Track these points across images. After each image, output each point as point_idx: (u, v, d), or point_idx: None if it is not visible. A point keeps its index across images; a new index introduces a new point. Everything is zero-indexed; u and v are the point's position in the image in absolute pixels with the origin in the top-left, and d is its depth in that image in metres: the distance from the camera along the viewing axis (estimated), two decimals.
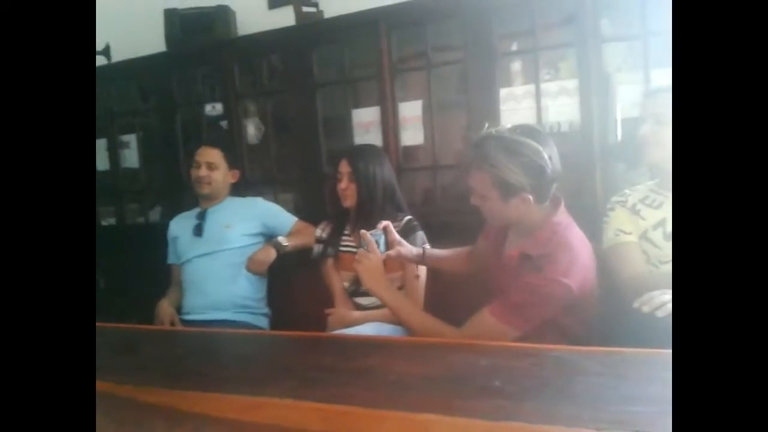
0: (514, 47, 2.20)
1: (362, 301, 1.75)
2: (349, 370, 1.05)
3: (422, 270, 1.70)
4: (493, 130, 1.27)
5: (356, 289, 1.75)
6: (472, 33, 2.15)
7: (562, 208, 1.31)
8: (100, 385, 1.01)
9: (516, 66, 2.20)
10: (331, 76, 2.52)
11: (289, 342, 1.32)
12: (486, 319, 1.22)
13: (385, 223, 1.48)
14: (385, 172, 1.80)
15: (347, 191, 1.76)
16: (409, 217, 1.78)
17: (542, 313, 1.22)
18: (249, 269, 1.95)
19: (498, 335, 1.19)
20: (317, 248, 1.88)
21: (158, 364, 1.24)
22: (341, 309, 1.70)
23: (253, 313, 1.98)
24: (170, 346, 1.45)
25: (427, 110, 2.27)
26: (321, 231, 1.90)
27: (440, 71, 2.30)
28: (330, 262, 1.84)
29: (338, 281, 1.78)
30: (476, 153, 1.26)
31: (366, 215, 1.75)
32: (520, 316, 1.21)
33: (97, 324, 1.59)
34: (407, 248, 1.52)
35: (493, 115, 2.11)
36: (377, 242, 1.41)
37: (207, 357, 1.26)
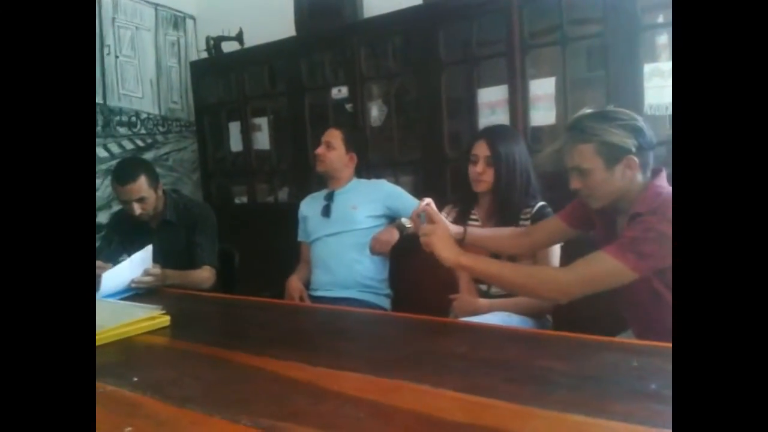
0: (660, 19, 2.00)
1: (492, 289, 1.69)
2: (485, 361, 1.01)
3: None
4: (584, 111, 1.29)
5: None
6: (612, 4, 1.99)
7: (664, 175, 1.26)
8: (238, 356, 1.08)
9: (662, 39, 2.00)
10: (457, 55, 2.46)
11: (418, 326, 1.31)
12: (600, 256, 1.18)
13: (427, 200, 1.43)
14: (524, 155, 1.70)
15: (483, 175, 1.68)
16: (542, 203, 1.69)
17: (655, 252, 1.13)
18: (372, 249, 1.97)
19: (611, 273, 1.16)
20: None
21: (292, 338, 1.30)
22: (466, 296, 1.66)
23: (376, 293, 2.01)
24: (301, 321, 1.51)
25: (561, 88, 2.14)
26: (446, 215, 1.86)
27: (576, 46, 2.15)
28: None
29: None
30: (573, 131, 1.27)
31: (503, 202, 1.68)
32: (635, 251, 1.14)
33: (235, 297, 1.71)
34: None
35: (636, 93, 1.94)
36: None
37: (338, 335, 1.29)
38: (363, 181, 2.15)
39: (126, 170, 1.94)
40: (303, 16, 2.84)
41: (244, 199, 3.35)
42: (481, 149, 1.68)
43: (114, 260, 1.94)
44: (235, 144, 3.31)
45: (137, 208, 1.91)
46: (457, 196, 1.91)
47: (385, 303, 2.04)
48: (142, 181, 1.91)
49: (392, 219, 2.06)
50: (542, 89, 2.17)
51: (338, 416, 0.80)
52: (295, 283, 2.04)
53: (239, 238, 2.46)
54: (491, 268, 1.29)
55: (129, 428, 0.78)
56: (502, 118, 2.25)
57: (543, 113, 2.18)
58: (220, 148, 3.44)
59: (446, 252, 1.28)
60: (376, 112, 2.69)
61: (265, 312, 1.55)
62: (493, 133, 1.72)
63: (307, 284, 2.09)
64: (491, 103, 2.30)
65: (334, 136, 2.08)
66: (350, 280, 1.98)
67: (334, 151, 2.07)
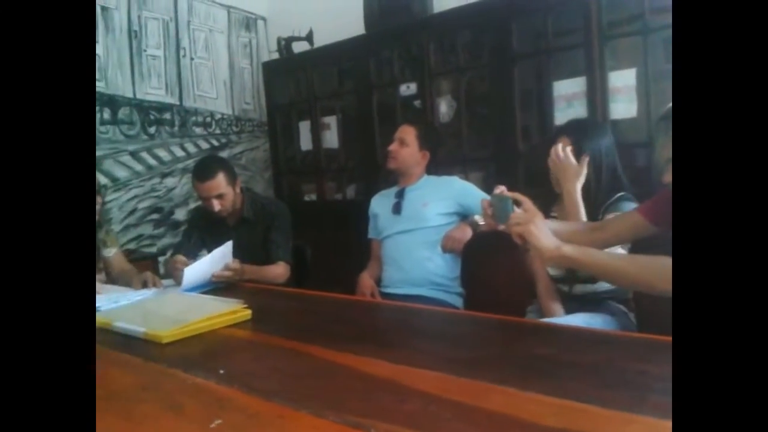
0: None
1: (575, 289, 1.61)
2: (572, 364, 0.97)
3: None
4: None
5: (567, 276, 1.62)
6: None
7: None
8: (318, 350, 1.09)
9: None
10: (530, 47, 2.39)
11: (495, 325, 1.27)
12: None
13: (501, 187, 1.36)
14: (610, 149, 1.60)
15: None
16: (621, 193, 1.60)
17: None
18: (444, 247, 1.94)
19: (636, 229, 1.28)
20: None
21: (370, 335, 1.30)
22: (545, 299, 1.60)
23: (447, 291, 1.99)
24: (376, 317, 1.51)
25: (642, 80, 2.03)
26: None
27: (658, 36, 2.03)
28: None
29: (542, 266, 1.68)
30: (667, 122, 1.14)
31: (586, 201, 1.60)
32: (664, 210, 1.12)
33: (310, 292, 1.74)
34: None
35: None
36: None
37: (416, 333, 1.28)
38: (434, 177, 2.13)
39: (205, 168, 2.00)
40: (372, 14, 2.85)
41: (314, 197, 3.41)
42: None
43: (194, 255, 2.02)
44: (305, 143, 3.38)
45: (216, 205, 1.97)
46: (536, 193, 1.84)
47: (457, 301, 2.01)
48: (221, 178, 1.96)
49: (464, 216, 2.02)
50: (622, 81, 2.08)
51: (424, 416, 0.79)
52: (366, 279, 2.05)
53: (308, 235, 2.50)
54: (600, 258, 1.15)
55: (219, 420, 0.79)
56: (579, 111, 2.17)
57: (623, 106, 2.08)
58: (290, 147, 3.52)
59: (546, 241, 1.16)
60: (445, 107, 2.66)
61: (339, 307, 1.56)
62: (576, 129, 1.63)
63: (377, 281, 2.09)
64: (568, 96, 2.22)
65: (408, 133, 2.07)
66: (421, 278, 1.97)
67: (407, 148, 2.06)
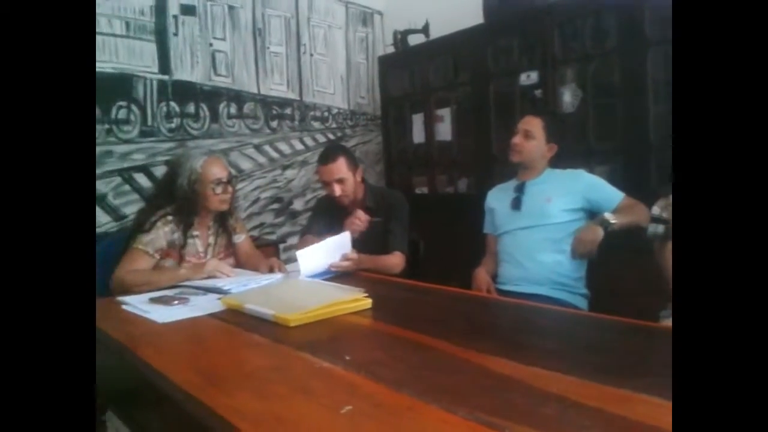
0: None
1: None
2: None
3: None
4: None
5: None
6: None
7: None
8: (442, 344, 1.07)
9: None
10: (666, 31, 2.20)
11: (630, 330, 1.18)
12: None
13: None
14: None
15: None
16: None
17: None
18: (576, 251, 1.81)
19: None
20: (653, 228, 1.65)
21: (493, 331, 1.25)
22: None
23: (570, 292, 1.87)
24: (497, 314, 1.46)
25: None
26: (660, 209, 1.66)
27: None
28: (669, 246, 1.59)
29: None
30: None
31: None
32: None
33: (427, 284, 1.72)
34: None
35: None
36: None
37: (543, 333, 1.22)
38: (558, 171, 2.01)
39: (327, 152, 2.09)
40: (491, 3, 2.77)
41: (425, 190, 3.40)
42: None
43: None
44: (418, 135, 3.37)
45: (337, 189, 2.02)
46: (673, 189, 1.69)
47: (581, 303, 1.89)
48: (341, 162, 2.02)
49: (591, 213, 1.89)
50: None
51: (562, 421, 0.74)
52: (483, 275, 1.99)
53: (419, 228, 2.49)
54: None
55: (348, 407, 0.80)
56: None
57: None
58: (402, 139, 3.53)
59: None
60: (569, 97, 2.52)
61: (458, 302, 1.53)
62: None
63: (493, 277, 2.03)
64: None
65: (534, 125, 1.96)
66: (542, 277, 1.87)
67: (533, 140, 1.96)
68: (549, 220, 1.89)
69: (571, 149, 2.49)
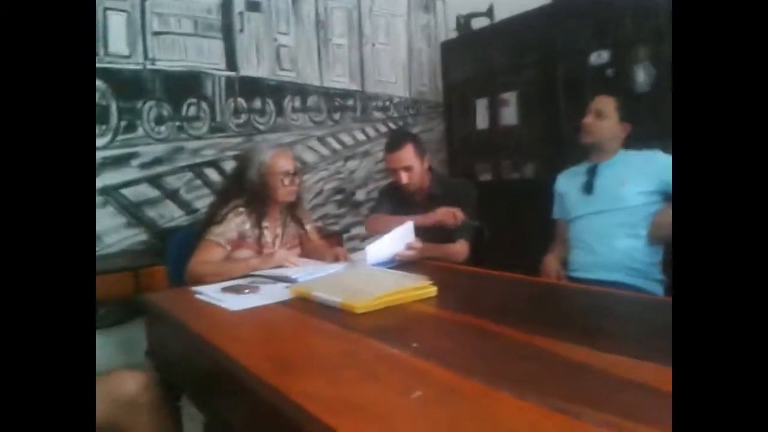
0: None
1: None
2: None
3: None
4: None
5: None
6: None
7: None
8: (510, 331, 1.04)
9: None
10: None
11: None
12: None
13: None
14: None
15: None
16: None
17: None
18: (653, 235, 1.73)
19: None
20: None
21: (564, 318, 1.21)
22: None
23: (646, 278, 1.78)
24: (567, 301, 1.41)
25: None
26: None
27: None
28: None
29: None
30: None
31: None
32: None
33: (491, 271, 1.68)
34: None
35: None
36: None
37: (618, 320, 1.16)
38: (632, 152, 1.91)
39: (395, 139, 2.11)
40: None
41: (489, 176, 3.33)
42: None
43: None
44: (481, 121, 3.31)
45: (404, 176, 2.02)
46: None
47: (658, 289, 1.80)
48: (409, 149, 2.03)
49: (668, 196, 1.79)
50: None
51: (644, 408, 0.70)
52: (552, 262, 1.93)
53: (484, 215, 2.44)
54: None
55: (418, 392, 0.79)
56: None
57: None
58: (465, 126, 3.47)
59: None
60: (642, 76, 2.39)
61: (525, 288, 1.49)
62: None
63: (563, 264, 1.96)
64: None
65: (606, 104, 1.88)
66: (617, 263, 1.79)
67: (605, 120, 1.88)
68: (623, 204, 1.80)
69: (646, 129, 2.36)
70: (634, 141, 2.07)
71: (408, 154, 2.02)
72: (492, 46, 3.16)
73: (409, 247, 1.79)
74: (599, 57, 2.51)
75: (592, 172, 1.93)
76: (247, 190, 1.86)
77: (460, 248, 1.98)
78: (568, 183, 2.03)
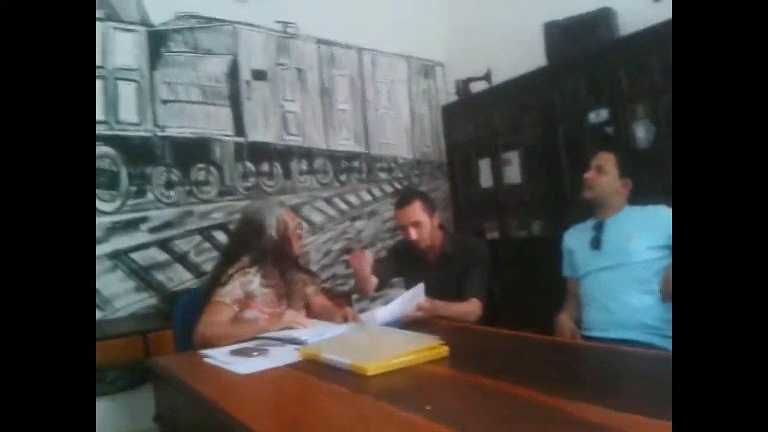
0: None
1: None
2: None
3: None
4: None
5: None
6: None
7: None
8: (525, 392, 1.01)
9: None
10: None
11: None
12: None
13: None
14: None
15: None
16: None
17: None
18: (666, 291, 1.71)
19: None
20: None
21: (581, 378, 1.18)
22: None
23: (663, 336, 1.74)
24: (584, 360, 1.38)
25: None
26: None
27: None
28: None
29: None
30: None
31: None
32: None
33: (506, 331, 1.66)
34: None
35: None
36: None
37: (634, 378, 1.13)
38: (637, 207, 1.92)
39: (404, 195, 2.16)
40: (554, 44, 2.77)
41: (496, 235, 3.33)
42: None
43: (386, 280, 2.11)
44: (485, 180, 3.35)
45: (413, 233, 2.03)
46: None
47: None
48: (417, 205, 2.06)
49: None
50: None
51: None
52: (566, 321, 1.90)
53: (493, 274, 2.43)
54: None
55: None
56: None
57: None
58: (470, 185, 3.52)
59: None
60: (642, 132, 2.44)
61: (539, 348, 1.46)
62: None
63: (577, 322, 1.93)
64: None
65: (606, 160, 1.92)
66: (631, 320, 1.75)
67: (606, 176, 1.90)
68: (632, 259, 1.80)
69: (648, 185, 2.38)
70: (638, 197, 2.09)
71: (416, 210, 2.04)
72: (492, 108, 3.25)
73: (418, 308, 1.77)
74: (598, 115, 2.57)
75: (599, 228, 1.93)
76: (264, 248, 1.85)
77: (473, 307, 1.96)
78: (575, 239, 2.03)
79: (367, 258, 1.90)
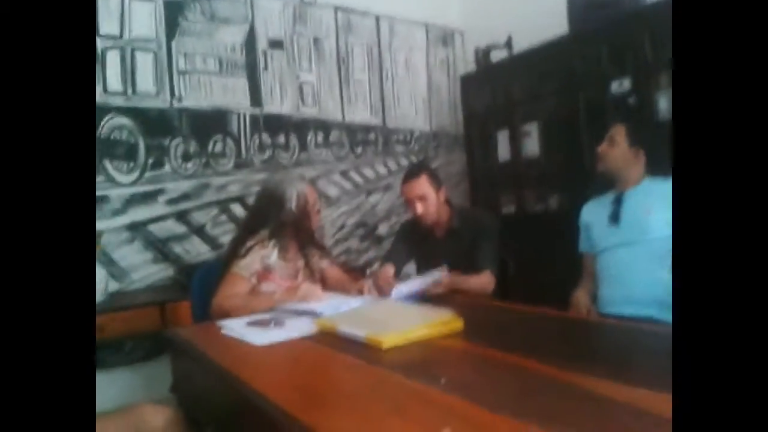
0: None
1: None
2: None
3: None
4: None
5: None
6: None
7: None
8: (539, 366, 1.01)
9: None
10: None
11: None
12: None
13: None
14: None
15: None
16: None
17: None
18: None
19: None
20: None
21: (595, 354, 1.18)
22: None
23: None
24: (600, 336, 1.38)
25: None
26: None
27: None
28: None
29: None
30: None
31: None
32: None
33: (520, 306, 1.65)
34: None
35: None
36: None
37: (649, 354, 1.12)
38: (658, 180, 1.87)
39: (410, 170, 2.14)
40: (577, 11, 2.69)
41: (512, 209, 3.30)
42: None
43: (401, 266, 2.09)
44: (503, 152, 3.30)
45: (419, 207, 2.02)
46: None
47: None
48: (423, 179, 2.04)
49: None
50: None
51: None
52: (582, 298, 1.87)
53: (508, 248, 2.41)
54: None
55: (447, 429, 0.77)
56: None
57: None
58: (487, 158, 3.47)
59: None
60: (665, 103, 2.37)
61: (554, 324, 1.46)
62: None
63: (593, 299, 1.91)
64: None
65: (617, 131, 1.88)
66: (649, 297, 1.72)
67: (616, 147, 1.87)
68: (651, 234, 1.76)
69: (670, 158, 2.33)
70: (660, 169, 2.04)
71: (422, 184, 2.03)
72: (512, 78, 3.18)
73: (436, 283, 1.78)
74: (620, 85, 2.51)
75: (617, 201, 1.90)
76: (283, 221, 1.86)
77: (486, 279, 1.96)
78: (593, 214, 1.99)
79: (390, 275, 1.86)
